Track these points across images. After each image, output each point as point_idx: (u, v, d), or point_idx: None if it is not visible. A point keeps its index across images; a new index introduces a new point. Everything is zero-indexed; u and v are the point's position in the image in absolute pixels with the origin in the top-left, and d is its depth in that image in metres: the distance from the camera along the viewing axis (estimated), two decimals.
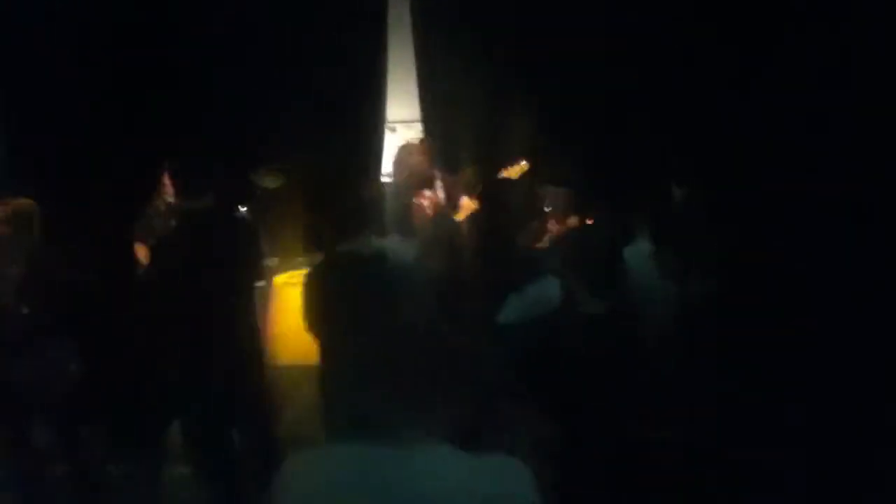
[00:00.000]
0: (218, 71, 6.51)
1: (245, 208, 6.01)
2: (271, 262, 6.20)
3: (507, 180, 5.45)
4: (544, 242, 5.27)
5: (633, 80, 6.22)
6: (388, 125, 7.28)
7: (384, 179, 6.60)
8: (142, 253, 5.20)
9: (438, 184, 5.63)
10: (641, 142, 6.12)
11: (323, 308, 4.01)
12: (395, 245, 4.51)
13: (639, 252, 4.87)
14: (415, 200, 5.20)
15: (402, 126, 7.25)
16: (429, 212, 5.23)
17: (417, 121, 7.29)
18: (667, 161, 5.84)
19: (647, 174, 5.69)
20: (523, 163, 5.57)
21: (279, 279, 6.26)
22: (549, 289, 4.30)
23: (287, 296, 5.96)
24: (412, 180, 5.30)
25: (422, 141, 6.18)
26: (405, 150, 5.70)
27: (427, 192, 5.31)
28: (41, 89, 6.13)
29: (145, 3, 6.41)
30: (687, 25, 6.08)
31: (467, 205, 5.34)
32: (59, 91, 6.12)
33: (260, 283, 4.90)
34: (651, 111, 6.24)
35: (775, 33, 5.54)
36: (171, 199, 5.48)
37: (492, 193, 4.74)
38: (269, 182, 6.40)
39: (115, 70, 6.28)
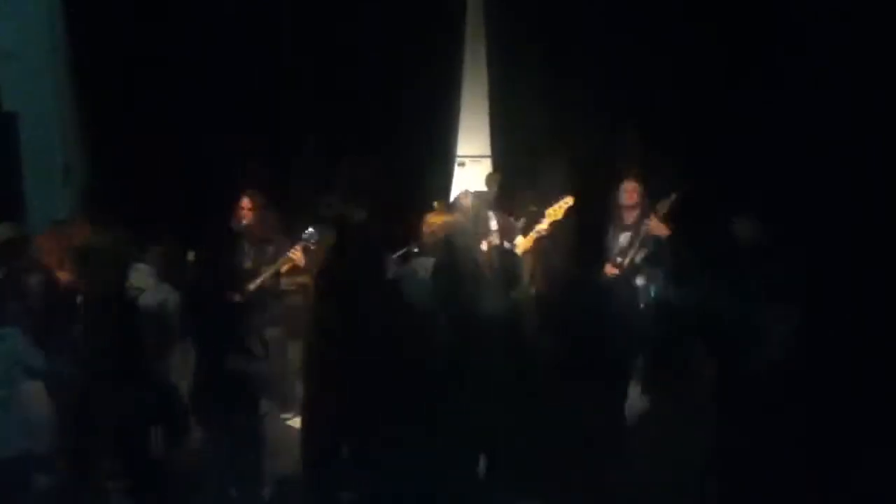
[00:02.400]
0: (291, 104, 6.81)
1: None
2: None
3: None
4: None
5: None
6: (457, 160, 7.47)
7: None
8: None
9: (495, 228, 5.86)
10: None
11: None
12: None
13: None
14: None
15: (470, 161, 7.41)
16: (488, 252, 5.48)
17: (486, 156, 7.46)
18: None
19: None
20: (568, 199, 5.77)
21: None
22: None
23: None
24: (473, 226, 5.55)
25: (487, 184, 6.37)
26: (467, 198, 5.96)
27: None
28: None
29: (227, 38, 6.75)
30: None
31: (523, 244, 5.70)
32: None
33: None
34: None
35: None
36: (247, 221, 5.83)
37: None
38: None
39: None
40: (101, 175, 6.89)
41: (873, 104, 5.77)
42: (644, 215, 5.70)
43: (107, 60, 6.83)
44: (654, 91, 6.55)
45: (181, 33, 6.83)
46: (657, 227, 5.58)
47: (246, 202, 5.83)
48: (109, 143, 6.80)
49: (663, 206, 5.59)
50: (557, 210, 5.77)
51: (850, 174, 5.74)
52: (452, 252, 4.61)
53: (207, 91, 6.75)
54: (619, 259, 5.74)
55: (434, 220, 4.91)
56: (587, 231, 6.02)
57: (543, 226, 5.75)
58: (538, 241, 5.75)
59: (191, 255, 5.38)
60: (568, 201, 5.78)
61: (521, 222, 6.11)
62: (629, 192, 5.80)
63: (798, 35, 6.15)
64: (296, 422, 5.13)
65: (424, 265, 4.66)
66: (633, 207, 5.77)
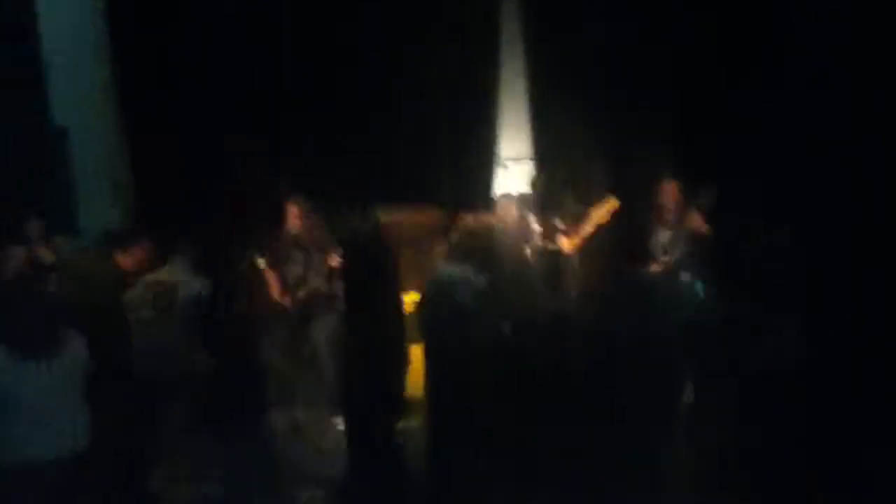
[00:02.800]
0: (335, 110, 6.88)
1: None
2: None
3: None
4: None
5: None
6: (500, 162, 7.48)
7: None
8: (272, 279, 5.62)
9: (537, 231, 5.89)
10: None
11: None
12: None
13: None
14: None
15: (513, 163, 7.43)
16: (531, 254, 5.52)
17: (529, 158, 7.46)
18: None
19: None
20: (613, 200, 5.79)
21: None
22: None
23: None
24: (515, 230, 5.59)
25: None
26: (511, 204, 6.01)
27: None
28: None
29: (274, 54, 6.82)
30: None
31: (567, 245, 5.77)
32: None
33: None
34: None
35: None
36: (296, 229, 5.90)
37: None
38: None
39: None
40: (148, 190, 6.99)
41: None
42: (684, 213, 5.74)
43: (154, 74, 6.93)
44: (687, 91, 6.59)
45: (225, 47, 6.92)
46: (698, 224, 5.62)
47: (294, 209, 5.91)
48: (156, 156, 6.90)
49: (702, 205, 5.67)
50: (601, 211, 5.79)
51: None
52: (500, 259, 4.66)
53: (248, 104, 6.84)
54: (663, 257, 5.76)
55: (473, 224, 4.92)
56: (631, 231, 6.04)
57: (588, 227, 5.78)
58: (583, 241, 5.77)
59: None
60: (613, 203, 5.79)
61: (565, 224, 6.10)
62: (669, 191, 5.89)
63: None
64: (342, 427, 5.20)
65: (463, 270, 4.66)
66: (673, 207, 5.85)
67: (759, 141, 6.30)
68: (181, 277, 5.02)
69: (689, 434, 4.86)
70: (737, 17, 6.54)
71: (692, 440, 4.78)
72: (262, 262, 5.72)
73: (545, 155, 7.35)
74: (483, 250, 4.70)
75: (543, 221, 6.02)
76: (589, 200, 6.00)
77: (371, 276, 4.64)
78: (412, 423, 5.15)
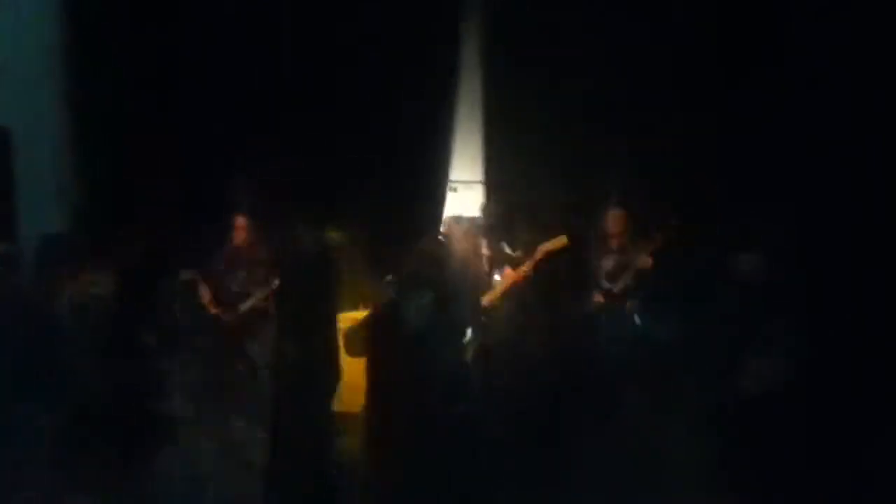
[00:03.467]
0: (290, 126, 6.83)
1: None
2: None
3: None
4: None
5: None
6: (449, 185, 7.44)
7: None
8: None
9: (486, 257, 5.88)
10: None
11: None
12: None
13: None
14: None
15: (462, 186, 7.43)
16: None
17: (479, 182, 7.46)
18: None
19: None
20: (563, 238, 5.75)
21: None
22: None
23: None
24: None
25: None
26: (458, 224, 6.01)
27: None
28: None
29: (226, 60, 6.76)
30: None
31: (512, 276, 5.72)
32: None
33: None
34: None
35: None
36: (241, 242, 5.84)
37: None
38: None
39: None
40: (94, 192, 6.85)
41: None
42: (630, 242, 5.80)
43: (103, 74, 6.82)
44: (642, 117, 6.59)
45: (175, 48, 6.83)
46: (644, 262, 5.69)
47: (240, 221, 5.86)
48: (104, 158, 6.77)
49: (652, 242, 5.72)
50: (550, 246, 5.77)
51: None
52: (451, 284, 4.67)
53: (199, 110, 6.75)
54: (606, 285, 5.80)
55: (423, 248, 4.91)
56: (577, 259, 6.06)
57: (537, 256, 5.74)
58: (530, 271, 5.77)
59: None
60: (563, 240, 5.75)
61: (514, 251, 6.10)
62: (615, 219, 5.93)
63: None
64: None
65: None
66: (618, 235, 5.91)
67: (719, 168, 6.33)
68: (112, 288, 4.92)
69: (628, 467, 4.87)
70: (694, 43, 6.56)
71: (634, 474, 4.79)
72: (194, 275, 5.64)
73: (496, 179, 7.35)
74: (433, 274, 4.70)
75: (492, 247, 6.03)
76: (540, 227, 6.01)
77: (311, 296, 4.62)
78: (346, 440, 5.12)
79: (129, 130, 6.73)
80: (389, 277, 5.37)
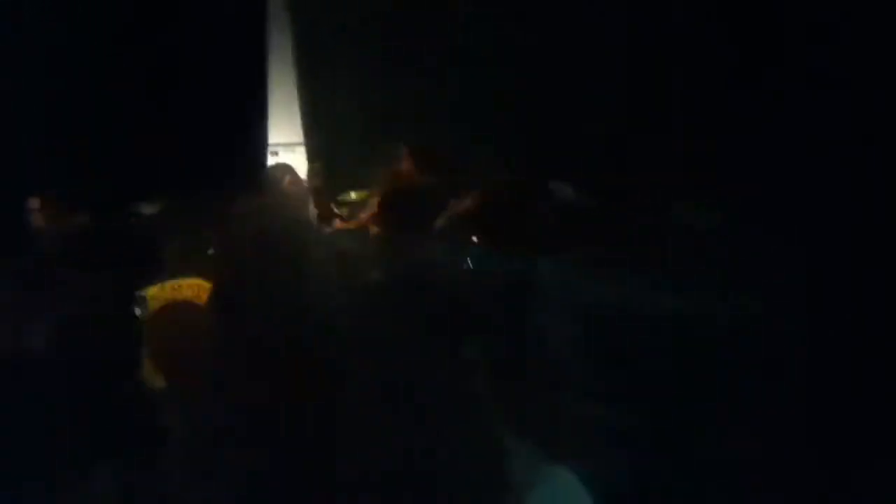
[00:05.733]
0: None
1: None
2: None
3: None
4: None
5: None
6: (269, 149, 7.23)
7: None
8: None
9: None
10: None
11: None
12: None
13: None
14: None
15: (284, 149, 7.21)
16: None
17: (300, 144, 7.27)
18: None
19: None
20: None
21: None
22: None
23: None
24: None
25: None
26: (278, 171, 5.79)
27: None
28: None
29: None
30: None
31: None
32: None
33: None
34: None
35: None
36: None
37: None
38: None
39: None
40: None
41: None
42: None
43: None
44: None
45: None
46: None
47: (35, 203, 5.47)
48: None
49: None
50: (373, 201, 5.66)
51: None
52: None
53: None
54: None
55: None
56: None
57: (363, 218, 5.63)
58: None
59: None
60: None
61: (341, 212, 6.03)
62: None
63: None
64: None
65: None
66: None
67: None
68: None
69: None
70: None
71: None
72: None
73: (318, 141, 7.19)
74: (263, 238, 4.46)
75: (320, 206, 5.85)
76: (365, 189, 5.90)
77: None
78: None
79: None
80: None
